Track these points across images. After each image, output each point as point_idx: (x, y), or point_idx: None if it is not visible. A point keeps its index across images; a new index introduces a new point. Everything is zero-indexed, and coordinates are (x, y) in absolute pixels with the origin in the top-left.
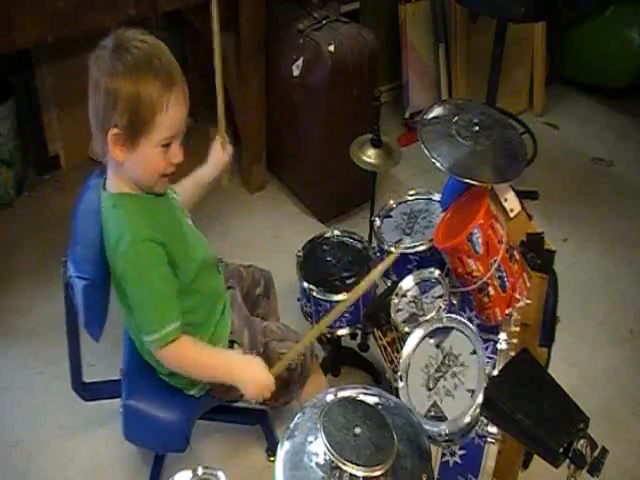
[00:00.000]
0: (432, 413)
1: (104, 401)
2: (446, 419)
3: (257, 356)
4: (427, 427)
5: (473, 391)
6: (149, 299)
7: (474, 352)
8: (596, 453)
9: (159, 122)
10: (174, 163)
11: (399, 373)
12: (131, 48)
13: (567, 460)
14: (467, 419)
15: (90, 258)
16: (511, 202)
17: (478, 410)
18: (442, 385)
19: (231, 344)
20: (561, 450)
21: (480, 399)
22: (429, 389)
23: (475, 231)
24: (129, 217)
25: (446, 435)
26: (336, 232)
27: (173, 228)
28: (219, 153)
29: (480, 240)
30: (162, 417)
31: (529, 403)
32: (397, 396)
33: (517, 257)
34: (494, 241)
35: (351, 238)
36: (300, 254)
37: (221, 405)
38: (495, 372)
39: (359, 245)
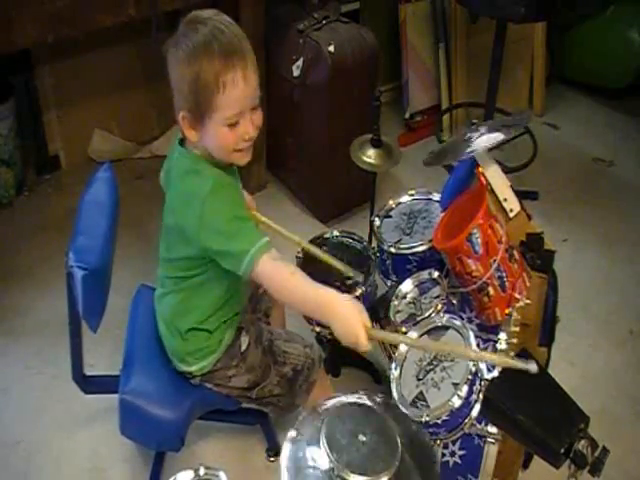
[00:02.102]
0: (417, 401)
1: (103, 401)
2: (429, 408)
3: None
4: (409, 413)
5: (457, 384)
6: (236, 228)
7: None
8: (597, 453)
9: (219, 103)
10: (246, 139)
11: (394, 364)
12: (192, 32)
13: (568, 460)
14: (448, 408)
15: (93, 247)
16: (511, 202)
17: (459, 402)
18: (431, 377)
19: (239, 330)
20: (562, 450)
21: (464, 391)
22: (418, 379)
23: (475, 231)
24: (209, 171)
25: (428, 425)
26: (335, 232)
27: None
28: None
29: (480, 240)
30: (157, 415)
31: (529, 403)
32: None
33: (517, 257)
34: (494, 241)
35: (351, 238)
36: (300, 255)
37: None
38: (495, 372)
39: (359, 245)
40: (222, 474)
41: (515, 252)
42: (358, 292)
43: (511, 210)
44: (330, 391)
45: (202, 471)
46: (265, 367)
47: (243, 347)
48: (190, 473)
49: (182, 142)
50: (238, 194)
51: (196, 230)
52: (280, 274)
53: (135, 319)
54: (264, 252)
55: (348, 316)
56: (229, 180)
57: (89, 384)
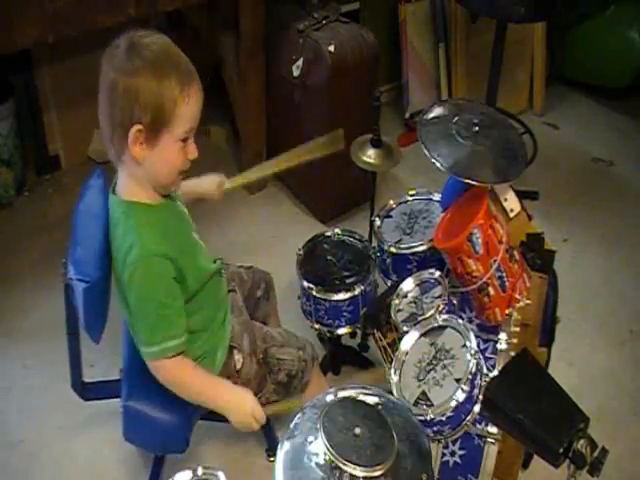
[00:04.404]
0: (420, 401)
1: (104, 401)
2: (433, 406)
3: (249, 390)
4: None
5: (460, 379)
6: (152, 314)
7: (464, 345)
8: (596, 453)
9: (181, 115)
10: (190, 159)
11: (392, 369)
12: (147, 45)
13: (567, 460)
14: (452, 403)
15: (91, 260)
16: (511, 202)
17: (462, 396)
18: (432, 376)
19: (231, 349)
20: (561, 450)
21: (466, 387)
22: (419, 380)
23: (475, 231)
24: (140, 228)
25: (433, 424)
26: (336, 231)
27: (182, 240)
28: (215, 189)
29: (480, 240)
30: (162, 418)
31: (529, 403)
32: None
33: (517, 257)
34: (494, 241)
35: (351, 237)
36: (300, 253)
37: None
38: (495, 372)
39: (359, 244)
40: (220, 474)
41: (515, 252)
42: (357, 291)
43: (511, 210)
44: (325, 387)
45: (200, 471)
46: (261, 378)
47: (238, 366)
48: (189, 473)
49: (114, 190)
50: (176, 230)
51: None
52: (181, 378)
53: None
54: (172, 354)
55: (242, 400)
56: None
57: (88, 391)
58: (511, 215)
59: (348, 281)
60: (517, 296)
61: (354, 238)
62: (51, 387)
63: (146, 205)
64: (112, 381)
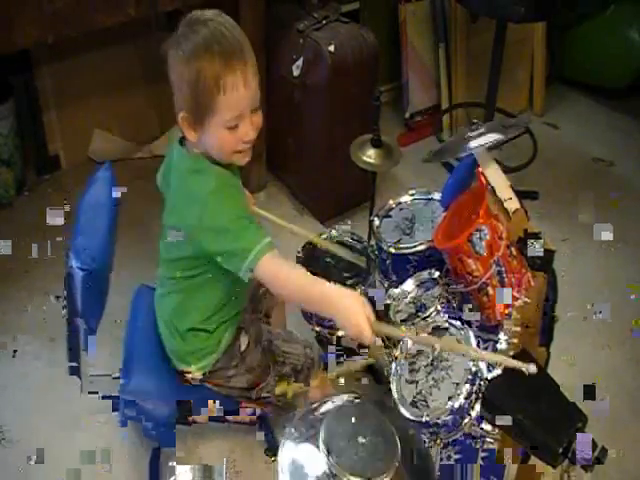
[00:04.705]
0: (417, 402)
1: (103, 400)
2: (429, 408)
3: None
4: (409, 414)
5: (458, 384)
6: (239, 227)
7: None
8: (596, 453)
9: (219, 105)
10: (245, 141)
11: (394, 365)
12: (193, 32)
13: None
14: (448, 408)
15: (93, 248)
16: (511, 202)
17: (459, 401)
18: (431, 378)
19: (239, 330)
20: (561, 450)
21: (464, 391)
22: (418, 382)
23: (476, 232)
24: (212, 170)
25: (428, 425)
26: (334, 232)
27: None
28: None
29: (480, 240)
30: (157, 414)
31: (528, 403)
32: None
33: (515, 254)
34: (495, 238)
35: (351, 238)
36: (300, 254)
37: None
38: (495, 372)
39: (359, 245)
40: (220, 473)
41: (513, 249)
42: (357, 292)
43: (512, 210)
44: (329, 390)
45: (200, 470)
46: (265, 367)
47: (242, 347)
48: (189, 472)
49: (182, 142)
50: (240, 193)
51: (196, 230)
52: (282, 272)
53: (135, 319)
54: (266, 252)
55: (352, 309)
56: (231, 179)
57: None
58: (511, 215)
59: (348, 282)
60: (516, 294)
61: (353, 239)
62: (50, 386)
63: (214, 162)
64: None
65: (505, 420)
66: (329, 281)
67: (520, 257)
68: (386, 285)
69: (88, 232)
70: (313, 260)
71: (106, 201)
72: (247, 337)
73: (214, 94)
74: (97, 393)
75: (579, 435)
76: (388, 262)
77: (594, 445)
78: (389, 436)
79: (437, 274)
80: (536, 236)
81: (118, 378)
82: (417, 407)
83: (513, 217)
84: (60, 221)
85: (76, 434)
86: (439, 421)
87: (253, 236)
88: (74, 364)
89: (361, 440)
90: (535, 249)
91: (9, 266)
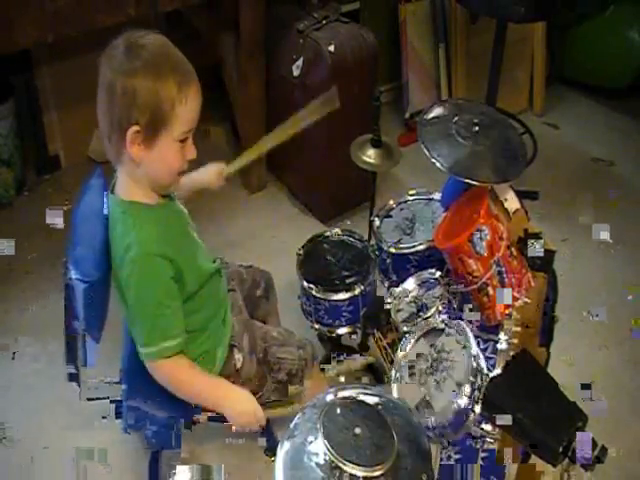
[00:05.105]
0: (421, 406)
1: (104, 402)
2: (434, 411)
3: (246, 389)
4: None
5: (461, 384)
6: (150, 314)
7: (464, 347)
8: (596, 452)
9: (179, 115)
10: (189, 159)
11: (394, 370)
12: (144, 46)
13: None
14: (453, 408)
15: (91, 259)
16: (511, 202)
17: (464, 401)
18: (433, 380)
19: (231, 348)
20: (561, 449)
21: (467, 390)
22: (420, 384)
23: (476, 232)
24: (139, 228)
25: (434, 428)
26: (336, 230)
27: (181, 239)
28: (215, 178)
29: (481, 240)
30: (162, 416)
31: (528, 402)
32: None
33: (515, 254)
34: (495, 238)
35: (351, 237)
36: (300, 252)
37: None
38: (495, 372)
39: (359, 244)
40: (220, 472)
41: (513, 249)
42: (357, 291)
43: (512, 210)
44: (325, 387)
45: (200, 469)
46: (261, 377)
47: (238, 365)
48: (188, 472)
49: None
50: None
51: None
52: (179, 370)
53: None
54: (170, 354)
55: (242, 398)
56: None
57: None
58: (512, 215)
59: (348, 281)
60: (516, 294)
61: (354, 238)
62: (51, 387)
63: (145, 205)
64: (112, 383)
65: (505, 420)
66: (329, 281)
67: (520, 257)
68: (387, 285)
69: (85, 242)
70: (313, 259)
71: (100, 210)
72: (241, 354)
73: (175, 105)
74: (96, 399)
75: (579, 434)
76: (388, 262)
77: (594, 444)
78: (387, 426)
79: (438, 274)
80: (536, 236)
81: (118, 383)
82: (420, 412)
83: (513, 217)
84: (60, 221)
85: (77, 434)
86: (445, 422)
87: (164, 331)
88: (73, 371)
89: (359, 431)
90: (535, 249)
91: (10, 266)
